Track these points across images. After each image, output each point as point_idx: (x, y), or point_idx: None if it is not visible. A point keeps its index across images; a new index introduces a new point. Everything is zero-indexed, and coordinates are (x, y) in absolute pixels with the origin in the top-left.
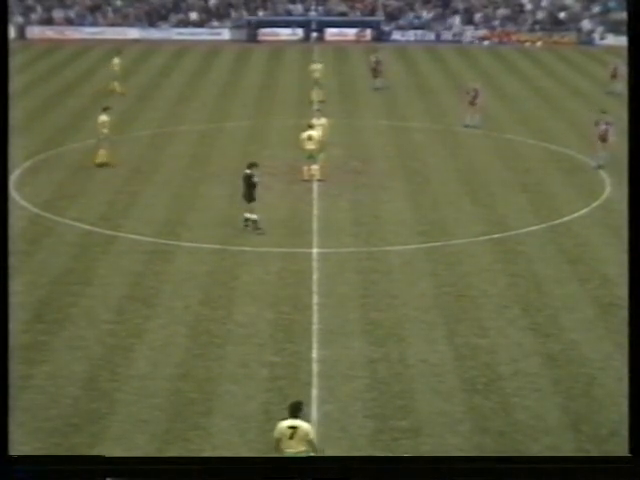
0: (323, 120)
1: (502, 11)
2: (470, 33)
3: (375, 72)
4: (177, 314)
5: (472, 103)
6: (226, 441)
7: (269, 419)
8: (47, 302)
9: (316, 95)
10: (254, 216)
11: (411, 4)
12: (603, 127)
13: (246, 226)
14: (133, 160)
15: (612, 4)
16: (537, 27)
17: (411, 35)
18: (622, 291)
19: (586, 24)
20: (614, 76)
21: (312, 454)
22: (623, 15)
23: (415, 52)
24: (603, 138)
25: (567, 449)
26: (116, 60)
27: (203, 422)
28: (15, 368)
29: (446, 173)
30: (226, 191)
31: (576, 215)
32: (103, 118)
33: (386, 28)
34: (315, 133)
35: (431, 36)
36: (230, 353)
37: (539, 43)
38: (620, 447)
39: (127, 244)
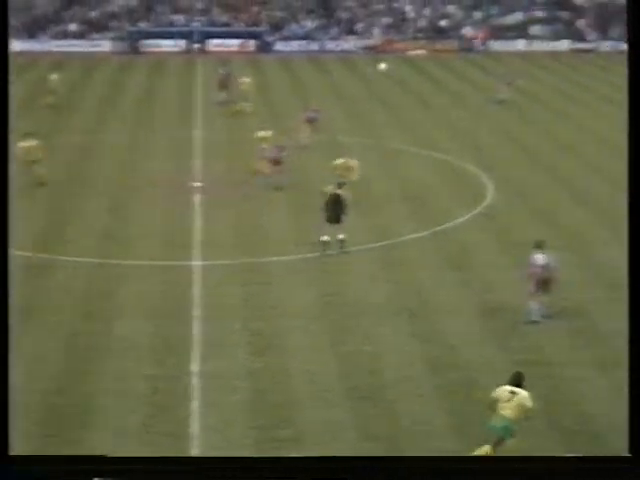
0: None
1: (385, 20)
2: (354, 43)
3: (221, 85)
4: (54, 328)
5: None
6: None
7: (147, 432)
8: None
9: (244, 107)
10: (341, 236)
11: (294, 15)
12: None
13: (324, 250)
14: None
15: (493, 10)
16: (420, 35)
17: (295, 45)
18: (504, 296)
19: (468, 31)
20: (508, 86)
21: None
22: (504, 20)
23: (298, 63)
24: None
25: (451, 452)
26: None
27: (84, 435)
28: None
29: (328, 184)
30: (105, 204)
31: (459, 221)
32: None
33: (270, 39)
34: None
35: (315, 46)
36: (109, 367)
37: (422, 51)
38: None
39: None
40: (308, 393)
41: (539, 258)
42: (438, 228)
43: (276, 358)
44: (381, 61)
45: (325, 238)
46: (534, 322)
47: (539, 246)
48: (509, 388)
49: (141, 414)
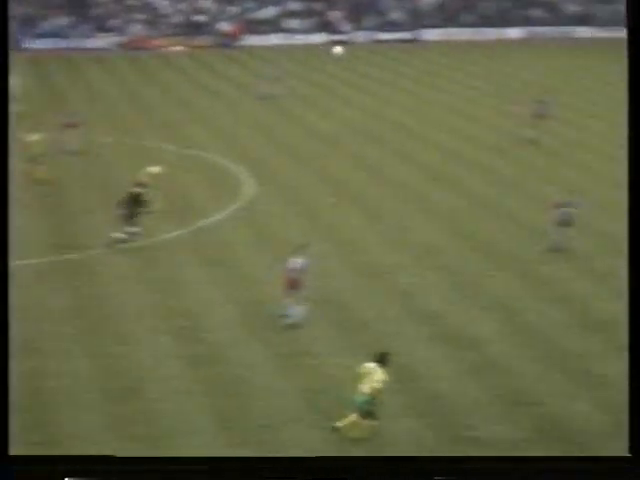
0: None
1: (140, 16)
2: (108, 40)
3: None
4: None
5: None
6: None
7: None
8: None
9: None
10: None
11: (44, 10)
12: None
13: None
14: None
15: (248, 4)
16: (176, 31)
17: (47, 43)
18: (265, 289)
19: (223, 26)
20: None
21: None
22: (259, 14)
23: (50, 61)
24: None
25: (216, 449)
26: None
27: None
28: None
29: (81, 183)
30: None
31: (217, 218)
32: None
33: (18, 36)
34: None
35: (67, 44)
36: None
37: (179, 48)
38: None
39: None
40: (64, 397)
41: (296, 262)
42: (196, 226)
43: (32, 361)
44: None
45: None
46: (289, 320)
47: (298, 250)
48: (371, 365)
49: None
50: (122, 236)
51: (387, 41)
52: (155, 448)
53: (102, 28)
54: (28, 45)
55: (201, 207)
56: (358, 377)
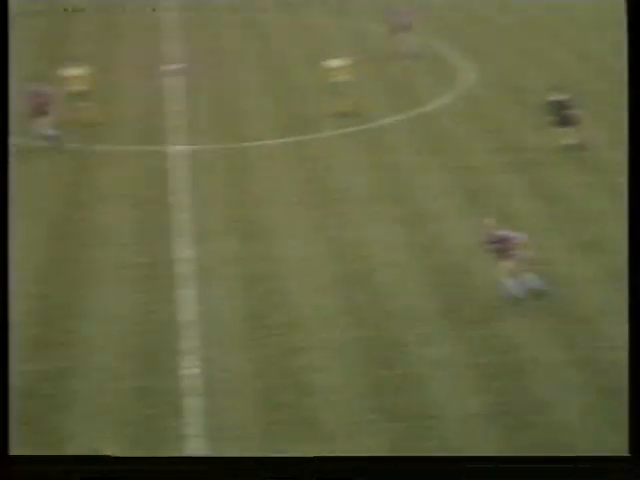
0: None
1: None
2: None
3: None
4: (39, 216)
5: None
6: (99, 345)
7: (139, 322)
8: None
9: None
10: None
11: None
12: None
13: None
14: None
15: None
16: None
17: None
18: (487, 178)
19: None
20: None
21: None
22: None
23: None
24: None
25: (438, 337)
26: None
27: (73, 325)
28: None
29: (302, 65)
30: None
31: (438, 105)
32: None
33: None
34: None
35: None
36: (96, 254)
37: None
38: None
39: None
40: (297, 280)
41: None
42: (418, 112)
43: (263, 245)
44: None
45: None
46: None
47: None
48: None
49: (129, 301)
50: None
51: None
52: (387, 333)
53: None
54: None
55: (418, 95)
56: None
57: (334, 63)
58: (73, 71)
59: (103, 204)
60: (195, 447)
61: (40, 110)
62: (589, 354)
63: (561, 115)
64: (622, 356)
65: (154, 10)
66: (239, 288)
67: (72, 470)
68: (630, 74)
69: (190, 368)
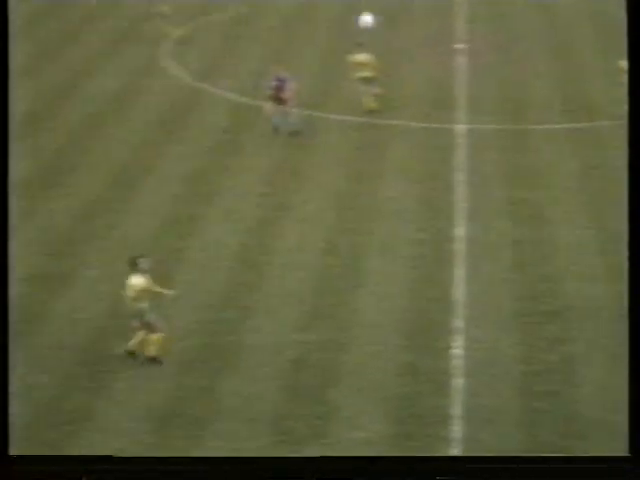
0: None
1: None
2: None
3: None
4: (324, 187)
5: None
6: (370, 320)
7: (414, 297)
8: (202, 172)
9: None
10: None
11: None
12: None
13: None
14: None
15: None
16: None
17: None
18: None
19: None
20: None
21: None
22: None
23: None
24: None
25: None
26: None
27: (349, 297)
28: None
29: (596, 52)
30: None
31: None
32: None
33: None
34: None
35: None
36: (376, 228)
37: None
38: None
39: None
40: (569, 267)
41: None
42: None
43: (537, 229)
44: None
45: None
46: None
47: None
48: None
49: (405, 277)
50: None
51: None
52: None
53: None
54: None
55: None
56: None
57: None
58: (360, 57)
59: (387, 178)
60: (457, 429)
61: (278, 95)
62: None
63: None
64: None
65: None
66: (510, 271)
67: (72, 470)
68: (630, 74)
69: (458, 348)
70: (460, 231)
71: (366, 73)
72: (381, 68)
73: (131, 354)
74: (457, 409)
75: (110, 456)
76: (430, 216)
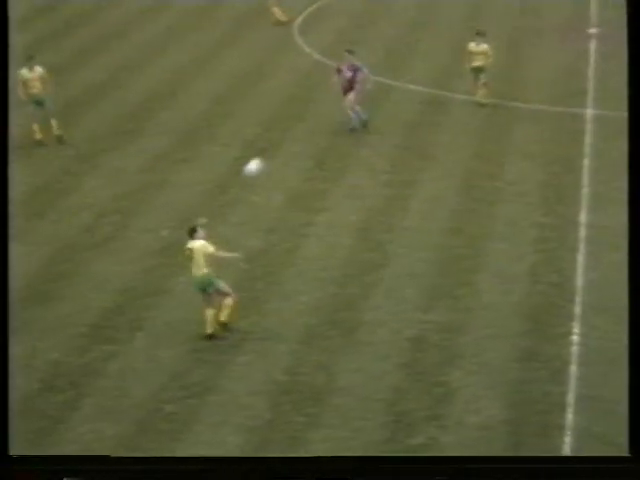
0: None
1: None
2: None
3: None
4: (449, 167)
5: None
6: (491, 302)
7: (535, 282)
8: (329, 149)
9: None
10: None
11: None
12: None
13: None
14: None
15: None
16: None
17: None
18: None
19: None
20: None
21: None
22: None
23: None
24: None
25: None
26: None
27: (471, 279)
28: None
29: None
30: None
31: None
32: None
33: None
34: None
35: None
36: (500, 211)
37: None
38: None
39: (404, 93)
40: None
41: None
42: None
43: None
44: None
45: None
46: None
47: None
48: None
49: (527, 261)
50: None
51: None
52: None
53: None
54: None
55: None
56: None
57: None
58: (474, 45)
59: (513, 161)
60: (570, 417)
61: (349, 87)
62: None
63: None
64: None
65: None
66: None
67: (72, 470)
68: (630, 74)
69: (575, 335)
70: (584, 217)
71: (479, 63)
72: (494, 59)
73: (211, 337)
74: (572, 397)
75: (110, 456)
76: (555, 201)
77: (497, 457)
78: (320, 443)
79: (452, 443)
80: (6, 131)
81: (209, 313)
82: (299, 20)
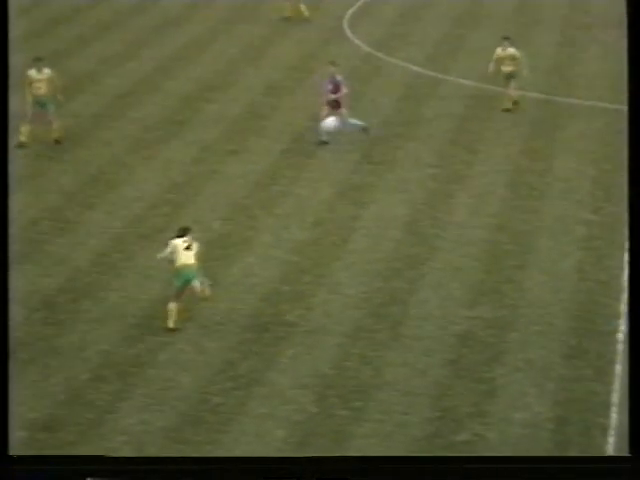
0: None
1: None
2: None
3: None
4: (497, 162)
5: None
6: (537, 299)
7: (582, 279)
8: (377, 141)
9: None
10: None
11: None
12: None
13: None
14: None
15: None
16: None
17: None
18: None
19: None
20: None
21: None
22: None
23: None
24: None
25: None
26: None
27: (517, 275)
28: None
29: None
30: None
31: None
32: None
33: None
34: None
35: None
36: (548, 207)
37: None
38: None
39: (453, 88)
40: None
41: None
42: None
43: None
44: None
45: None
46: None
47: None
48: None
49: (574, 258)
50: None
51: None
52: None
53: None
54: None
55: None
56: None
57: None
58: (502, 51)
59: (561, 157)
60: (614, 417)
61: (334, 103)
62: None
63: None
64: None
65: None
66: None
67: (72, 470)
68: (630, 74)
69: (621, 333)
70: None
71: (509, 68)
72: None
73: (173, 330)
74: (616, 396)
75: (111, 456)
76: (604, 198)
77: (497, 457)
78: (364, 438)
79: (496, 440)
80: (6, 131)
81: (173, 307)
82: (349, 13)
